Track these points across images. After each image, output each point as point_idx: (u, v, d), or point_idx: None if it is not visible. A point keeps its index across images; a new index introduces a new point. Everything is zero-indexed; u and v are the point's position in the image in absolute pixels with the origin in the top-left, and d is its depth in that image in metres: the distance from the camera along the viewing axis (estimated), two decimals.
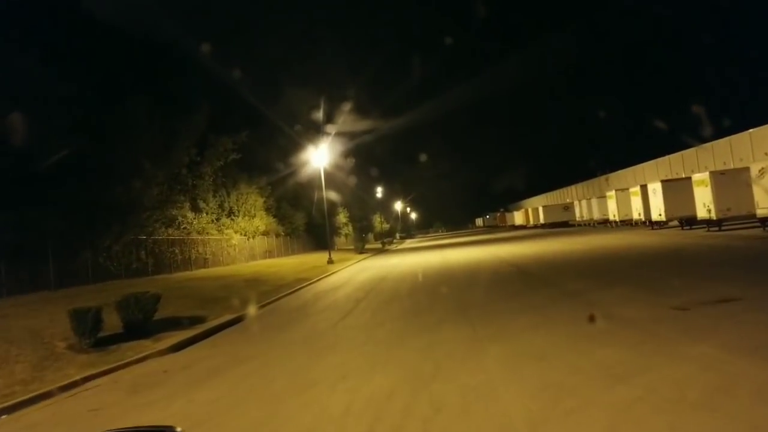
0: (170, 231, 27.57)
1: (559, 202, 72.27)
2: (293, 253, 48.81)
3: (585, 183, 71.68)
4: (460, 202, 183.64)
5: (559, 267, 19.32)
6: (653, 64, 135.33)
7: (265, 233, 41.85)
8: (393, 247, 67.81)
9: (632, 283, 12.77)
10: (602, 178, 67.65)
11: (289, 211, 47.84)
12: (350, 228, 73.99)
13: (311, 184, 43.99)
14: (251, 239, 38.93)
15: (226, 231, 35.40)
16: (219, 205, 38.17)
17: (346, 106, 45.87)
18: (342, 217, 70.19)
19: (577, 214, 55.89)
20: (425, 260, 31.90)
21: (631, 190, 36.33)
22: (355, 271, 28.94)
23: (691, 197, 27.46)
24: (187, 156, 27.53)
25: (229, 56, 51.71)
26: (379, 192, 76.74)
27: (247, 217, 39.08)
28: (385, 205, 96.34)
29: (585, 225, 53.85)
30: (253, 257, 38.59)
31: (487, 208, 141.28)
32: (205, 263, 30.16)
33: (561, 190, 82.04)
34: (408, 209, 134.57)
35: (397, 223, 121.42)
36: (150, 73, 27.36)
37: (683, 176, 34.42)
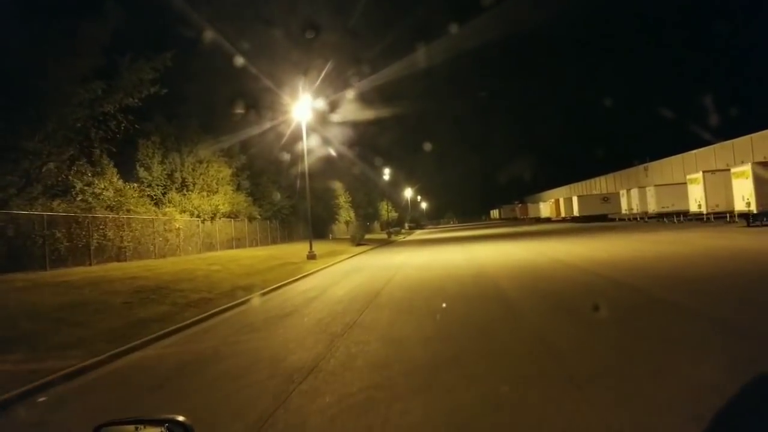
0: (55, 204, 17.95)
1: (593, 193, 63.60)
2: (275, 242, 39.14)
3: (620, 173, 65.43)
4: (470, 193, 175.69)
5: (724, 293, 9.52)
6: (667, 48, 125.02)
7: (232, 215, 32.00)
8: (400, 238, 58.08)
9: None
10: (641, 167, 62.67)
11: (270, 188, 38.03)
12: (351, 214, 64.17)
13: (300, 156, 34.22)
14: (207, 222, 29.07)
15: (166, 210, 25.60)
16: (168, 174, 28.53)
17: (348, 93, 36.92)
18: (342, 201, 60.47)
19: (623, 206, 47.29)
20: (443, 259, 22.15)
21: (734, 170, 26.00)
22: (340, 275, 19.20)
23: None
24: (83, 90, 17.67)
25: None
26: (387, 174, 66.92)
27: (204, 193, 29.23)
28: (393, 192, 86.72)
29: (633, 219, 45.06)
30: (210, 247, 28.74)
31: (496, 199, 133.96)
32: (119, 254, 20.42)
33: (589, 180, 75.81)
34: (419, 197, 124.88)
35: (407, 213, 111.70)
36: None
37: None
